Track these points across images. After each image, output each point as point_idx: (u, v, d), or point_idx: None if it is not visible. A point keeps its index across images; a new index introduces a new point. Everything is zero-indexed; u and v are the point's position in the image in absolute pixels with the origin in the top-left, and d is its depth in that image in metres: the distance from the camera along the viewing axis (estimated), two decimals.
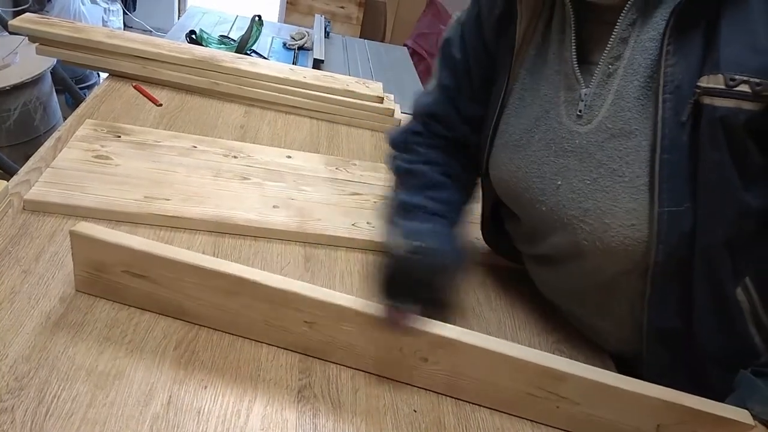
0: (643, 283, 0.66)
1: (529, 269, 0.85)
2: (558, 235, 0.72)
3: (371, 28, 3.23)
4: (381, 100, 1.31)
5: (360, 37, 2.58)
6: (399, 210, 0.76)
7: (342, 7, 3.12)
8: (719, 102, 0.57)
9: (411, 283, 0.66)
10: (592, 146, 0.65)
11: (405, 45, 2.75)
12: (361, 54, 2.03)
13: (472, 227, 0.97)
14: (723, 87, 0.56)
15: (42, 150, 0.92)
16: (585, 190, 0.66)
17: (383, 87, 1.37)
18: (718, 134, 0.58)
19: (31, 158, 0.90)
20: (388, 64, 1.99)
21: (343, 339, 0.66)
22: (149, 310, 0.69)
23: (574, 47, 0.66)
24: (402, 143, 0.82)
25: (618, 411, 0.64)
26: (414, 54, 2.79)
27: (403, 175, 0.80)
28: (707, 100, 0.57)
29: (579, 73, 0.66)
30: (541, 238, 0.76)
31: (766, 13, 0.56)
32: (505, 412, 0.68)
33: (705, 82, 0.57)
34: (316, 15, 2.15)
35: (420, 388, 0.68)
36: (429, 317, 0.65)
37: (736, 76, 0.56)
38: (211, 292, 0.65)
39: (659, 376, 0.69)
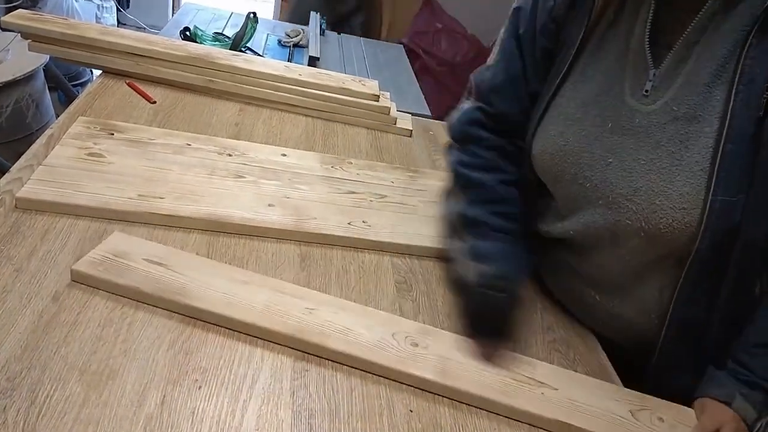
0: (678, 271, 0.67)
1: (542, 255, 0.84)
2: (598, 214, 0.71)
3: (367, 26, 3.22)
4: (377, 98, 1.31)
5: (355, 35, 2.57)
6: (462, 223, 0.78)
7: None
8: None
9: (494, 317, 0.70)
10: (653, 126, 0.66)
11: (401, 43, 2.75)
12: (357, 52, 2.03)
13: None
14: None
15: (34, 147, 0.91)
16: (638, 170, 0.67)
17: (379, 85, 1.36)
18: None
19: (23, 156, 0.89)
20: (384, 62, 1.99)
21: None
22: (143, 301, 0.69)
23: (648, 28, 0.67)
24: (462, 136, 0.83)
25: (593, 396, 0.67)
26: (410, 52, 2.78)
27: (464, 183, 0.80)
28: None
29: (650, 54, 0.67)
30: (575, 217, 0.75)
31: None
32: (495, 412, 0.67)
33: None
34: (311, 12, 2.14)
35: (416, 388, 0.68)
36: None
37: None
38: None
39: (670, 367, 0.71)
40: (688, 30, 0.65)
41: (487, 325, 0.70)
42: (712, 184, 0.62)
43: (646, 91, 0.67)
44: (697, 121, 0.64)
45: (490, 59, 0.83)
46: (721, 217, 0.62)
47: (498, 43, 0.82)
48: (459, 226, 0.78)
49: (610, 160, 0.69)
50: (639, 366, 0.76)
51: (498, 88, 0.80)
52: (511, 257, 0.74)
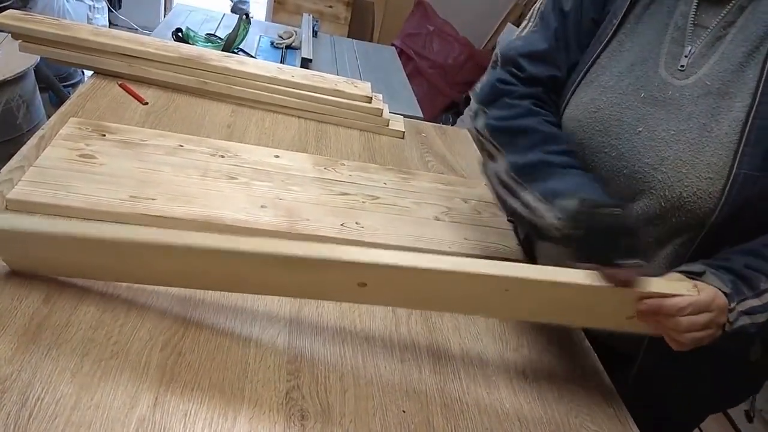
0: (687, 243, 0.69)
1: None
2: (620, 183, 0.73)
3: (359, 28, 3.23)
4: (369, 99, 1.31)
5: (348, 37, 2.57)
6: (521, 173, 0.71)
7: (330, 7, 3.11)
8: None
9: (616, 234, 0.62)
10: (686, 99, 0.69)
11: (393, 45, 2.75)
12: (349, 54, 2.03)
13: (461, 227, 0.97)
14: None
15: (25, 149, 0.91)
16: (668, 140, 0.69)
17: (371, 87, 1.37)
18: None
19: (14, 157, 0.88)
20: (377, 64, 1.99)
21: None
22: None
23: (696, 4, 0.70)
24: (490, 95, 0.79)
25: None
26: (402, 54, 2.79)
27: (505, 135, 0.75)
28: None
29: (691, 31, 0.70)
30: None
31: None
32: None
33: None
34: (303, 14, 2.14)
35: (410, 389, 0.68)
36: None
37: None
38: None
39: (661, 355, 0.70)
40: (726, 9, 0.68)
41: (613, 244, 0.61)
42: (738, 156, 0.64)
43: (682, 66, 0.70)
44: (729, 96, 0.67)
45: (521, 31, 0.82)
46: (742, 189, 0.65)
47: (535, 15, 0.81)
48: (517, 178, 0.71)
49: (640, 129, 0.71)
50: (627, 360, 0.76)
51: (533, 54, 0.78)
52: (592, 187, 0.68)
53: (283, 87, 1.26)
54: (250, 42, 1.77)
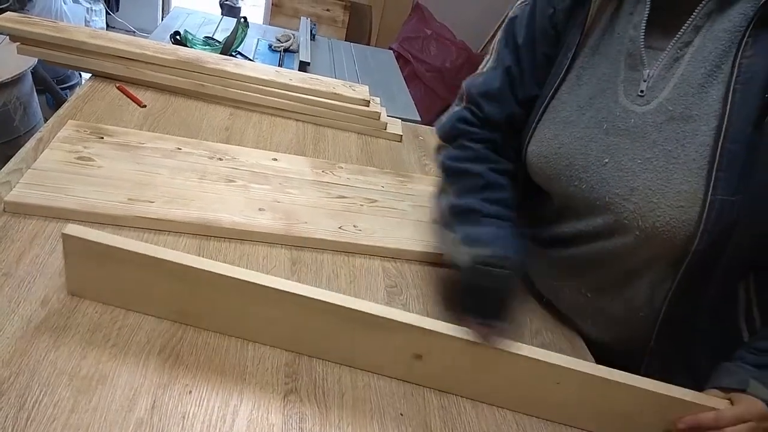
0: (671, 270, 0.68)
1: (534, 259, 0.84)
2: (593, 214, 0.73)
3: (357, 32, 3.23)
4: (367, 103, 1.31)
5: (345, 41, 2.58)
6: (453, 213, 0.76)
7: (327, 10, 3.11)
8: None
9: (489, 295, 0.67)
10: (649, 126, 0.67)
11: (390, 48, 2.76)
12: (347, 57, 2.03)
13: None
14: None
15: (23, 151, 0.91)
16: (635, 169, 0.68)
17: (369, 90, 1.37)
18: None
19: (12, 159, 0.88)
20: (374, 68, 2.00)
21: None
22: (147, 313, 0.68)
23: (643, 29, 0.68)
24: (451, 133, 0.82)
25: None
26: (399, 58, 2.80)
27: (454, 175, 0.79)
28: None
29: (644, 55, 0.68)
30: (570, 218, 0.76)
31: None
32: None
33: None
34: (301, 17, 2.15)
35: (407, 392, 0.68)
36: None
37: None
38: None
39: (659, 366, 0.71)
40: (681, 31, 0.66)
41: (483, 302, 0.67)
42: (711, 183, 0.63)
43: (641, 91, 0.68)
44: (693, 120, 0.65)
45: (483, 67, 0.83)
46: (720, 216, 0.63)
47: (493, 51, 0.82)
48: (450, 217, 0.77)
49: (606, 161, 0.70)
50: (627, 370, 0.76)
51: (488, 94, 0.80)
52: (505, 241, 0.72)
53: (280, 90, 1.27)
54: (248, 45, 1.77)
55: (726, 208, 0.63)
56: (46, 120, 1.04)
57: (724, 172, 0.62)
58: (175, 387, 0.61)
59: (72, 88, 2.32)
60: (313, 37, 2.03)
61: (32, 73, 1.86)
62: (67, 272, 0.67)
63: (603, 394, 0.66)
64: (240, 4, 1.62)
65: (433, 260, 0.92)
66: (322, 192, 0.99)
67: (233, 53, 1.63)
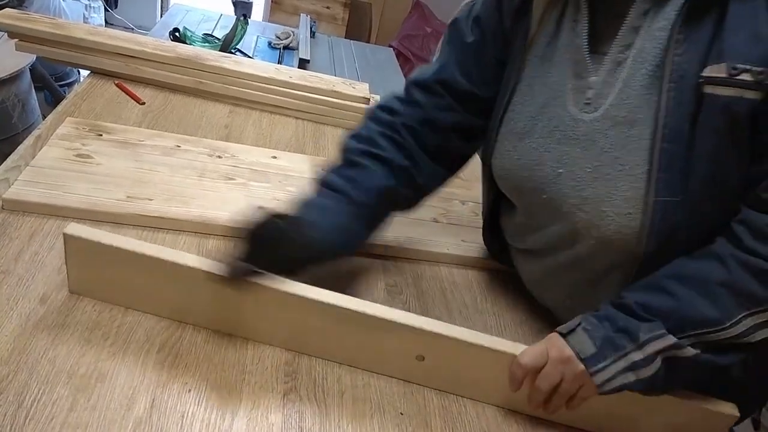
0: (632, 275, 0.67)
1: (518, 267, 0.85)
2: (556, 224, 0.72)
3: (357, 29, 3.23)
4: (367, 101, 1.31)
5: (345, 38, 2.57)
6: (315, 184, 0.75)
7: (327, 7, 3.11)
8: (721, 91, 0.58)
9: (261, 242, 0.64)
10: (596, 134, 0.66)
11: (390, 46, 2.75)
12: (347, 54, 2.03)
13: (459, 229, 0.97)
14: (725, 76, 0.57)
15: (21, 148, 0.90)
16: (586, 178, 0.67)
17: (369, 88, 1.37)
18: (720, 124, 0.59)
19: (10, 156, 0.88)
20: (374, 65, 1.99)
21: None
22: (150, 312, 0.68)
23: (585, 35, 0.67)
24: (367, 112, 0.82)
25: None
26: (399, 55, 2.80)
27: (339, 150, 0.79)
28: (709, 89, 0.58)
29: (589, 61, 0.67)
30: (537, 229, 0.76)
31: None
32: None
33: (708, 71, 0.58)
34: (301, 14, 2.14)
35: (407, 391, 0.68)
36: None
37: (739, 65, 0.57)
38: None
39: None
40: (620, 33, 0.64)
41: (252, 244, 0.63)
42: (653, 186, 0.62)
43: (588, 99, 0.67)
44: (637, 124, 0.63)
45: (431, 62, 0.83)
46: (664, 218, 0.62)
47: (438, 51, 0.81)
48: (311, 187, 0.75)
49: (560, 171, 0.69)
50: None
51: (418, 82, 0.79)
52: (323, 211, 0.70)
53: (280, 87, 1.26)
54: (247, 42, 1.76)
55: (669, 210, 0.62)
56: (44, 117, 1.03)
57: (664, 174, 0.61)
58: (175, 386, 0.61)
59: (70, 85, 2.31)
60: (312, 34, 2.02)
61: (30, 70, 1.85)
62: (68, 271, 0.67)
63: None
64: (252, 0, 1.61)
65: (433, 259, 0.92)
66: None
67: (233, 50, 1.62)
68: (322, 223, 0.69)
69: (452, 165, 0.83)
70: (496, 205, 0.85)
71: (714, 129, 0.59)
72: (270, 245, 0.64)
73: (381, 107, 0.81)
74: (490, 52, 0.76)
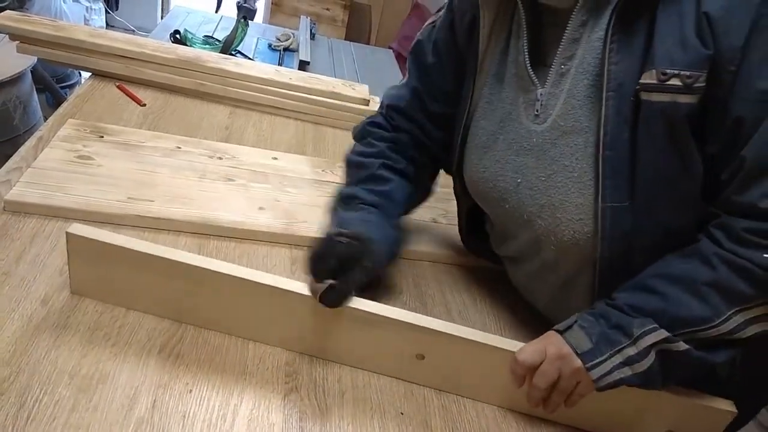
0: (592, 287, 0.69)
1: (507, 271, 0.86)
2: (521, 232, 0.74)
3: (356, 31, 3.23)
4: (367, 102, 1.31)
5: (345, 40, 2.58)
6: (339, 201, 0.79)
7: (327, 9, 3.11)
8: (656, 97, 0.59)
9: (333, 263, 0.66)
10: (547, 144, 0.68)
11: (390, 48, 2.76)
12: (347, 56, 2.03)
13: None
14: (656, 82, 0.58)
15: (23, 150, 0.91)
16: (540, 187, 0.69)
17: (369, 89, 1.37)
18: (658, 129, 0.60)
19: (12, 158, 0.88)
20: (374, 67, 2.00)
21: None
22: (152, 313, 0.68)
23: (526, 50, 0.68)
24: (361, 133, 0.86)
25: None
26: (399, 57, 2.79)
27: (350, 167, 0.83)
28: (645, 95, 0.59)
29: (533, 75, 0.68)
30: (509, 237, 0.78)
31: (695, 7, 0.57)
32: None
33: (643, 78, 0.59)
34: (301, 16, 2.15)
35: (407, 391, 0.68)
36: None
37: (668, 71, 0.58)
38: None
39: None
40: (561, 44, 0.65)
41: (323, 266, 0.65)
42: (600, 192, 0.63)
43: (537, 111, 0.68)
44: (582, 132, 0.65)
45: (401, 81, 0.85)
46: (614, 223, 0.63)
47: (408, 67, 0.84)
48: (335, 202, 0.79)
49: (519, 180, 0.71)
50: None
51: (397, 108, 0.83)
52: (369, 224, 0.73)
53: (280, 89, 1.27)
54: (247, 44, 1.76)
55: (618, 215, 0.63)
56: (45, 119, 1.04)
57: (610, 180, 0.62)
58: (176, 386, 0.61)
59: (71, 86, 2.31)
60: (312, 36, 2.03)
61: (32, 71, 1.85)
62: (70, 271, 0.67)
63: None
64: (256, 6, 1.62)
65: (433, 259, 0.92)
66: (322, 191, 0.99)
67: (233, 52, 1.62)
68: (380, 237, 0.71)
69: (435, 176, 0.89)
70: (475, 214, 0.87)
71: (653, 135, 0.60)
72: (344, 263, 0.66)
73: (371, 124, 0.85)
74: (451, 72, 0.79)
